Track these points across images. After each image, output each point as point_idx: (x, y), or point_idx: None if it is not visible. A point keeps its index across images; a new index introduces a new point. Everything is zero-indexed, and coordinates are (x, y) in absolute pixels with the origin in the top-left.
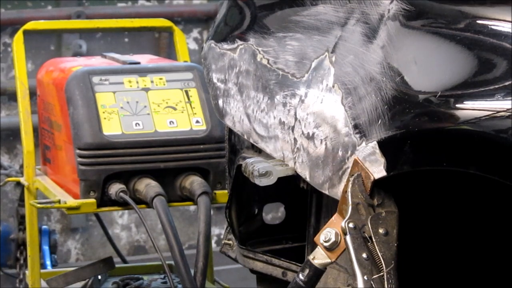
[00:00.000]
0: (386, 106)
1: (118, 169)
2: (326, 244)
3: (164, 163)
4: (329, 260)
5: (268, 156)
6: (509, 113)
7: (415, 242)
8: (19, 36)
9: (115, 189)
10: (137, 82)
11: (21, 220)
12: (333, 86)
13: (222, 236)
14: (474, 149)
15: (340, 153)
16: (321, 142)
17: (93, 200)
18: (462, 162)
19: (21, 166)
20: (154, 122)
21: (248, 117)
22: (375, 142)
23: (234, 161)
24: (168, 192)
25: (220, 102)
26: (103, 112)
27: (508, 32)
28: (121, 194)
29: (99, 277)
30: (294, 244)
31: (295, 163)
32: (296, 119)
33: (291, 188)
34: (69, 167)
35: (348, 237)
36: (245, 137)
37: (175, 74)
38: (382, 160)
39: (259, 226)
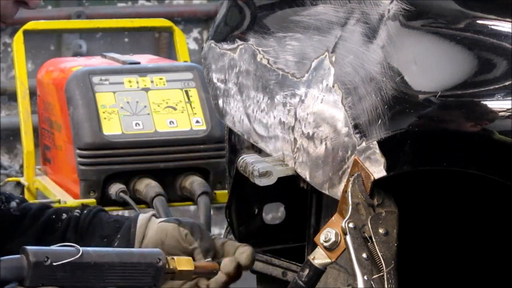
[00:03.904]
0: (386, 106)
1: (118, 169)
2: (326, 244)
3: (164, 163)
4: (329, 260)
5: (268, 156)
6: (509, 113)
7: (415, 242)
8: (19, 36)
9: (115, 189)
10: (137, 82)
11: None
12: (333, 86)
13: (222, 236)
14: (474, 149)
15: (340, 153)
16: (321, 142)
17: (93, 200)
18: (462, 162)
19: (21, 166)
20: (154, 122)
21: (248, 117)
22: (375, 142)
23: (234, 161)
24: (168, 192)
25: (220, 102)
26: (103, 112)
27: (508, 32)
28: (121, 194)
29: None
30: (294, 244)
31: (295, 163)
32: (296, 119)
33: (291, 188)
34: (69, 167)
35: (348, 237)
36: (245, 137)
37: (175, 74)
38: (382, 160)
39: (259, 226)
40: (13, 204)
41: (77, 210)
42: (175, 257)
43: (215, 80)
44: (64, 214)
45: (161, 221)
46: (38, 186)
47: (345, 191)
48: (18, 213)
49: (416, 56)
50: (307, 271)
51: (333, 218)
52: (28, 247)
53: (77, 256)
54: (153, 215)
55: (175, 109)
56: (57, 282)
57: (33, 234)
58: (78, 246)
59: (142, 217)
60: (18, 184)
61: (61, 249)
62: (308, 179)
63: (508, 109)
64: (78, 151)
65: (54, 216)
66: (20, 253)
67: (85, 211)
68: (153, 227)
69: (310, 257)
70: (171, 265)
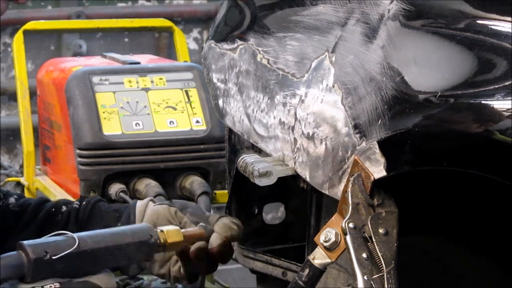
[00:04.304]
0: (386, 106)
1: (118, 169)
2: (326, 244)
3: (164, 163)
4: (329, 260)
5: (268, 156)
6: (509, 113)
7: (415, 242)
8: (19, 36)
9: (115, 189)
10: (137, 82)
11: None
12: (333, 86)
13: None
14: (474, 149)
15: (340, 153)
16: (321, 142)
17: None
18: (462, 162)
19: (21, 166)
20: (154, 122)
21: (248, 117)
22: (375, 142)
23: (234, 161)
24: (168, 192)
25: (220, 102)
26: (103, 112)
27: (508, 32)
28: (121, 194)
29: None
30: (294, 244)
31: (295, 163)
32: (296, 119)
33: (291, 188)
34: (69, 167)
35: (348, 237)
36: (245, 137)
37: (175, 74)
38: (382, 160)
39: (259, 226)
40: (12, 200)
41: (76, 202)
42: (164, 229)
43: (215, 80)
44: (63, 207)
45: (155, 205)
46: (38, 186)
47: (345, 191)
48: (18, 208)
49: (416, 56)
50: (307, 271)
51: (333, 218)
52: (25, 243)
53: (74, 247)
54: (151, 200)
55: (175, 109)
56: (56, 274)
57: (33, 229)
58: (72, 234)
59: (140, 204)
60: (18, 184)
61: (57, 240)
62: (308, 179)
63: (508, 109)
64: (78, 151)
65: (53, 210)
66: (17, 249)
67: (84, 203)
68: (148, 212)
69: (310, 257)
70: (162, 239)
